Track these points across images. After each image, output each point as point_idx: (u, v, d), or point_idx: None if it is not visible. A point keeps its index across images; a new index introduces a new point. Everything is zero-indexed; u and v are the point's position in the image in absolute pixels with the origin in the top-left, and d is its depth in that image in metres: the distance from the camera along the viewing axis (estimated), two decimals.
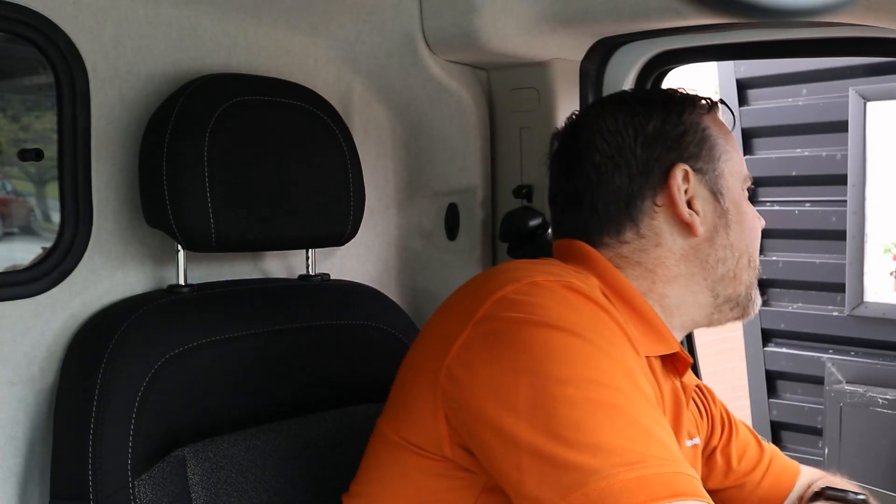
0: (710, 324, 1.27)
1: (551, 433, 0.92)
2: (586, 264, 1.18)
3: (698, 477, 0.94)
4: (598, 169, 1.20)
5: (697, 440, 1.32)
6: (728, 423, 1.44)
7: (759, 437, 1.49)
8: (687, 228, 1.19)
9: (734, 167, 1.24)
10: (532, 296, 1.03)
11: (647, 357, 1.13)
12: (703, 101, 1.25)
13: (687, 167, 1.19)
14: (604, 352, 0.99)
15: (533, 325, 1.00)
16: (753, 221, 1.25)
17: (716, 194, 1.21)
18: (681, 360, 1.22)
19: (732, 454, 1.43)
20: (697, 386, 1.37)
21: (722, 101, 1.29)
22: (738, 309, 1.25)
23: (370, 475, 1.17)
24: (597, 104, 1.29)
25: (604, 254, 1.20)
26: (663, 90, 1.29)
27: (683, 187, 1.19)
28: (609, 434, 0.91)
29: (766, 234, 1.29)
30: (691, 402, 1.32)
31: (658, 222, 1.20)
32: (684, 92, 1.27)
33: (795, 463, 1.49)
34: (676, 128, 1.21)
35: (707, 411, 1.41)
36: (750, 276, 1.24)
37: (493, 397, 0.98)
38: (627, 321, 1.11)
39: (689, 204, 1.19)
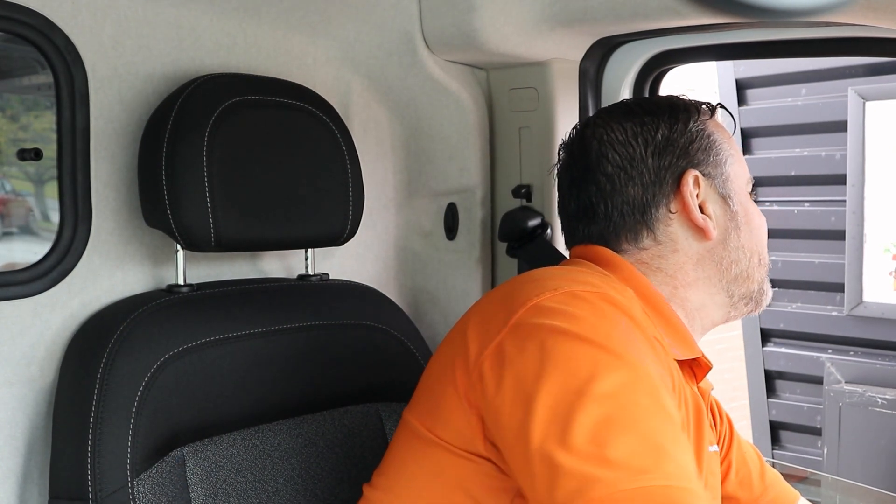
0: (726, 320, 1.29)
1: (564, 443, 0.93)
2: (613, 270, 1.20)
3: (705, 496, 0.93)
4: (611, 179, 1.23)
5: (716, 447, 1.32)
6: (728, 440, 1.44)
7: (763, 459, 1.50)
8: (701, 233, 1.21)
9: (738, 170, 1.26)
10: (568, 305, 1.04)
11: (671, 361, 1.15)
12: (705, 107, 1.28)
13: (697, 173, 1.21)
14: (630, 367, 0.99)
15: (563, 335, 1.01)
16: (759, 220, 1.28)
17: (725, 197, 1.23)
18: (700, 366, 1.23)
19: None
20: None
21: (721, 106, 1.31)
22: (751, 303, 1.28)
23: (398, 468, 1.17)
24: (602, 114, 1.30)
25: (626, 259, 1.22)
26: (666, 98, 1.30)
27: (695, 193, 1.21)
28: (620, 450, 0.91)
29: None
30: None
31: (673, 228, 1.22)
32: (687, 99, 1.29)
33: (795, 491, 1.50)
34: (683, 135, 1.23)
35: (715, 425, 1.41)
36: (761, 273, 1.27)
37: (516, 401, 0.99)
38: (658, 326, 1.14)
39: (701, 209, 1.22)
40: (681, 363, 1.19)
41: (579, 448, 0.92)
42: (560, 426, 0.94)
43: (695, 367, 1.23)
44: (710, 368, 1.24)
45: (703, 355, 1.22)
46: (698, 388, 1.24)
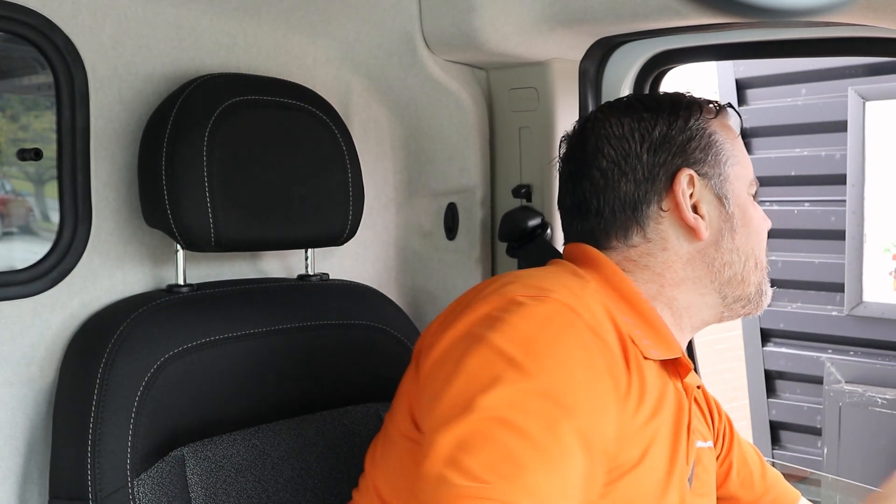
0: (720, 321, 1.28)
1: (438, 445, 0.96)
2: (595, 269, 1.19)
3: None
4: (605, 174, 1.22)
5: (710, 443, 1.32)
6: (729, 440, 1.43)
7: (764, 459, 1.50)
8: (692, 233, 1.20)
9: (740, 171, 1.24)
10: (504, 312, 1.05)
11: (648, 360, 1.14)
12: (711, 106, 1.26)
13: (692, 172, 1.20)
14: (533, 382, 0.99)
15: (482, 344, 1.02)
16: (760, 224, 1.26)
17: (721, 199, 1.22)
18: (682, 365, 1.22)
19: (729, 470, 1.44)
20: (706, 397, 1.38)
21: (730, 105, 1.29)
22: (749, 305, 1.26)
23: (376, 468, 1.21)
24: (604, 109, 1.29)
25: (612, 257, 1.21)
26: (670, 95, 1.29)
27: (688, 192, 1.20)
28: (478, 461, 0.93)
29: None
30: (701, 407, 1.32)
31: (664, 227, 1.20)
32: (691, 96, 1.27)
33: (796, 492, 1.50)
34: (682, 133, 1.22)
35: (712, 423, 1.41)
36: (758, 277, 1.25)
37: (430, 395, 1.05)
38: (636, 327, 1.14)
39: (695, 208, 1.20)
40: (662, 361, 1.18)
41: (445, 453, 0.95)
42: (446, 431, 0.97)
43: (679, 367, 1.22)
44: (689, 369, 1.22)
45: (683, 355, 1.21)
46: (683, 384, 1.23)
